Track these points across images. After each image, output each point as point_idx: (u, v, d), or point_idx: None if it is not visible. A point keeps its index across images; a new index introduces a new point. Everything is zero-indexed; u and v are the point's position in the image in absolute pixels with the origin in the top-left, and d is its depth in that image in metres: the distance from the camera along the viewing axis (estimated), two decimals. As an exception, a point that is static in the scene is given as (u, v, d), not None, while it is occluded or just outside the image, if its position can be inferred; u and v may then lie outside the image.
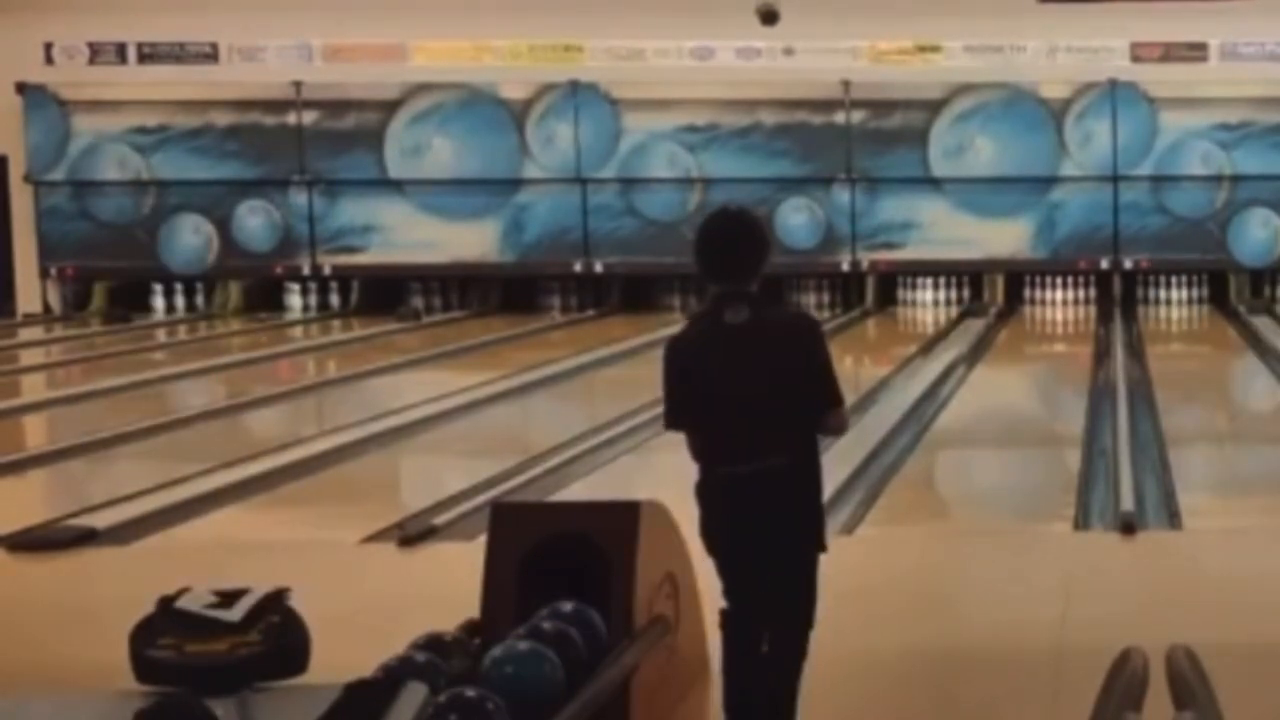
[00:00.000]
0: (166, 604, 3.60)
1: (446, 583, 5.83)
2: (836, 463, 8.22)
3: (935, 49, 19.77)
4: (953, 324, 18.43)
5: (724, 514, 4.63)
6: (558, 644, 4.25)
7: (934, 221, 19.75)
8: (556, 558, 4.81)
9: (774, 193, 19.29)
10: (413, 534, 7.80)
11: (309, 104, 19.67)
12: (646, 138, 19.71)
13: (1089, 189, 19.74)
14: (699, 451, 4.69)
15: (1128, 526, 7.81)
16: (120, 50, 19.78)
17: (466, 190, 19.75)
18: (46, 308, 20.04)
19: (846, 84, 19.56)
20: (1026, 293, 20.11)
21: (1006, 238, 19.75)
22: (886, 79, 19.63)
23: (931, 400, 12.46)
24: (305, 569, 6.54)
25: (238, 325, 19.26)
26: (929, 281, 20.19)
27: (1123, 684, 3.85)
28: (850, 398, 5.73)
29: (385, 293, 19.99)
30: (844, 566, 5.23)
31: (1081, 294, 20.06)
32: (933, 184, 19.71)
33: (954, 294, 20.12)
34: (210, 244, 19.85)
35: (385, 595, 6.75)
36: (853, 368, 15.06)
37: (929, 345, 16.35)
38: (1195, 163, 19.66)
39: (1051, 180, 19.70)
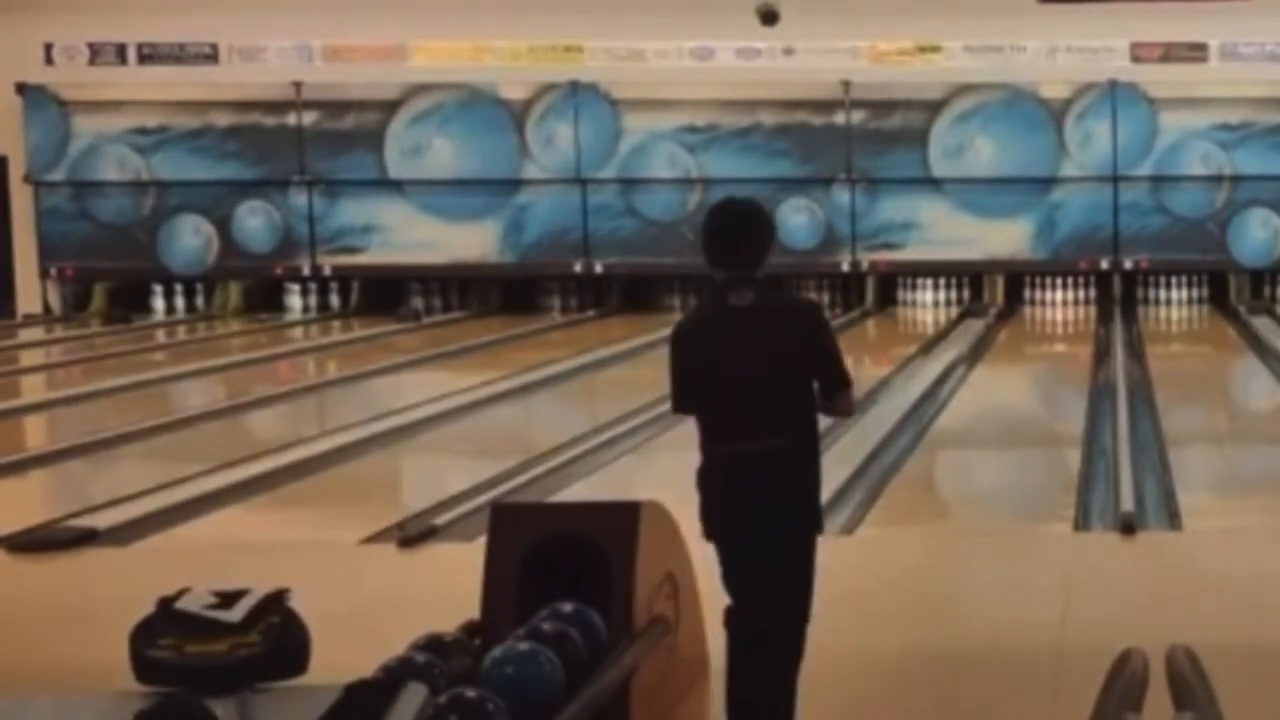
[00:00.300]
0: (166, 604, 3.60)
1: (446, 583, 5.84)
2: (836, 463, 8.24)
3: (935, 49, 19.77)
4: (953, 324, 18.42)
5: (725, 495, 4.64)
6: (558, 644, 4.25)
7: (934, 222, 19.75)
8: (556, 558, 4.81)
9: (774, 193, 19.23)
10: (413, 534, 7.81)
11: (309, 104, 19.66)
12: (646, 138, 19.70)
13: (1089, 189, 19.73)
14: (704, 432, 4.70)
15: (1128, 527, 7.81)
16: (120, 51, 19.77)
17: (466, 191, 19.74)
18: (46, 308, 20.02)
19: (846, 84, 19.55)
20: (1026, 293, 20.11)
21: (1006, 238, 19.74)
22: (886, 79, 19.62)
23: (931, 401, 12.46)
24: (305, 569, 6.56)
25: (238, 326, 19.25)
26: (929, 282, 20.18)
27: (1123, 684, 3.85)
28: (850, 398, 5.72)
29: (385, 293, 19.98)
30: (844, 567, 5.25)
31: (1081, 294, 20.05)
32: (933, 184, 19.70)
33: (954, 294, 20.11)
34: (210, 244, 19.84)
35: (385, 596, 6.75)
36: (853, 368, 14.95)
37: (929, 345, 16.34)
38: (1195, 163, 19.65)
39: (1051, 180, 19.69)
